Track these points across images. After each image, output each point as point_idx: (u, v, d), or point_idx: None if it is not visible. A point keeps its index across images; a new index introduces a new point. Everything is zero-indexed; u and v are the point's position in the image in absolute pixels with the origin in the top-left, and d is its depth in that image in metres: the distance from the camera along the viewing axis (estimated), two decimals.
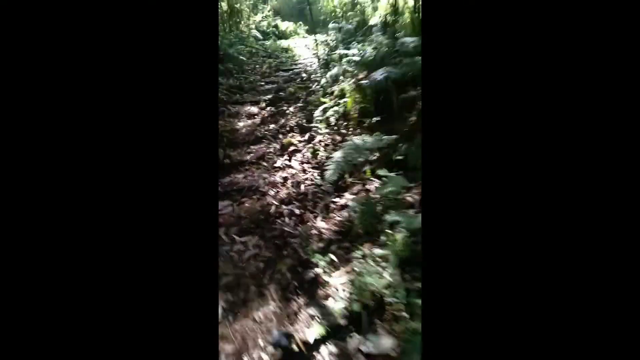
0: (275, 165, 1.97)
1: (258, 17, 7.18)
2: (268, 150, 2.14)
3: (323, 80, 2.78)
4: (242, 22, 6.86)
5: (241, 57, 4.27)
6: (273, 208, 1.56)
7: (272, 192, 1.71)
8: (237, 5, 6.24)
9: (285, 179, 1.82)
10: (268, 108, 2.92)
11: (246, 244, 1.37)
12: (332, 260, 1.17)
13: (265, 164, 2.01)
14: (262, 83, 3.75)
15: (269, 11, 7.52)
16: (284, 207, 1.56)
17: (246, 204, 1.64)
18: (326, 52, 3.87)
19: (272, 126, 2.50)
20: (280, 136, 2.34)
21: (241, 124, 2.63)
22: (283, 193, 1.68)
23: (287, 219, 1.47)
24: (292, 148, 2.10)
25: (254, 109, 2.98)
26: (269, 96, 3.16)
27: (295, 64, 4.51)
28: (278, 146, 2.17)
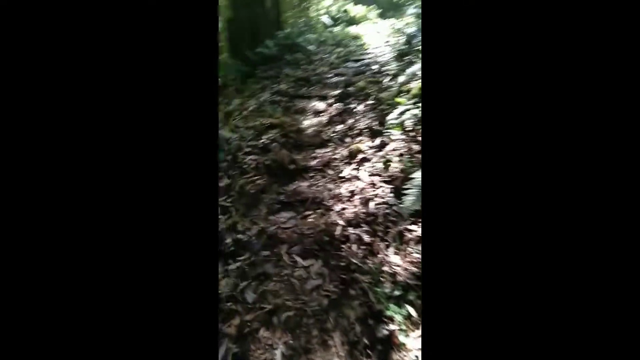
0: (342, 175, 1.81)
1: (328, 1, 6.93)
2: (334, 156, 1.98)
3: (401, 79, 2.50)
4: (312, 7, 6.69)
5: (310, 47, 4.13)
6: (339, 229, 1.41)
7: (337, 208, 1.56)
8: None
9: (352, 192, 1.65)
10: (335, 105, 2.74)
11: (309, 270, 1.25)
12: (409, 314, 0.98)
13: (330, 172, 1.86)
14: (330, 75, 3.57)
15: None
16: (350, 230, 1.40)
17: (309, 219, 1.52)
18: (402, 41, 3.51)
19: (339, 127, 2.33)
20: (348, 139, 2.16)
21: (307, 122, 2.51)
22: (350, 211, 1.51)
23: (354, 247, 1.31)
24: (360, 156, 1.91)
25: (321, 105, 2.83)
26: (337, 91, 2.97)
27: (366, 54, 4.22)
28: (345, 152, 2.00)
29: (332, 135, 2.23)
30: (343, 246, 1.33)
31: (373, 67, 3.54)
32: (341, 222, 1.45)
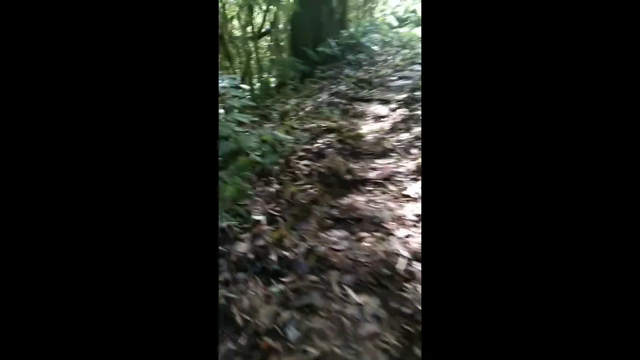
0: (406, 193, 1.56)
1: (395, 1, 6.60)
2: (397, 169, 1.73)
3: None
4: (377, 7, 6.44)
5: (373, 47, 3.89)
6: (402, 263, 1.17)
7: (400, 234, 1.32)
8: None
9: (419, 217, 1.39)
10: (399, 110, 2.48)
11: (363, 310, 1.03)
12: None
13: (392, 188, 1.61)
14: (394, 78, 3.30)
15: None
16: (416, 265, 1.15)
17: (366, 242, 1.30)
18: None
19: (403, 136, 2.07)
20: (414, 151, 1.89)
21: (366, 128, 2.29)
22: (416, 241, 1.26)
23: (420, 289, 1.06)
24: None
25: (383, 110, 2.59)
26: (402, 96, 2.70)
27: None
28: (411, 165, 1.74)
29: (395, 144, 1.98)
30: (407, 285, 1.08)
31: None
32: (405, 254, 1.21)
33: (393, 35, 4.81)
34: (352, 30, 4.16)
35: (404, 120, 2.29)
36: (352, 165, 1.80)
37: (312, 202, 1.53)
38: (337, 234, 1.37)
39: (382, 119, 2.44)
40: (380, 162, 1.84)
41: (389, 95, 2.85)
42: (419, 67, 3.58)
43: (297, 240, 1.34)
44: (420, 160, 1.75)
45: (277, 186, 1.66)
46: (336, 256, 1.25)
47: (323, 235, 1.36)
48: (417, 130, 2.12)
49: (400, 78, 3.28)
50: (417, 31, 5.17)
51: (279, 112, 2.57)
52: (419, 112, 2.36)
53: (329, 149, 1.95)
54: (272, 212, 1.48)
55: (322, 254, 1.26)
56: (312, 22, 3.83)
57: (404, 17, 5.95)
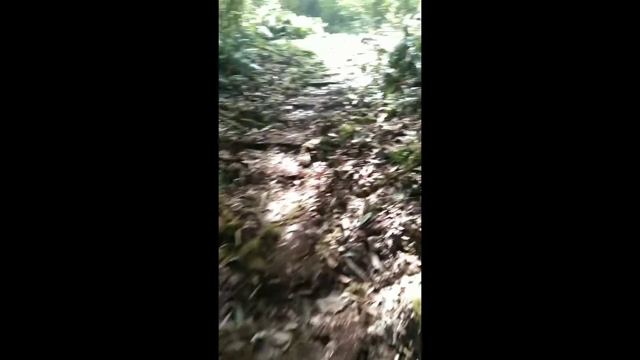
0: None
1: (263, 11, 5.85)
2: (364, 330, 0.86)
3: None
4: (243, 15, 5.55)
5: (252, 65, 2.96)
6: None
7: None
8: None
9: None
10: (317, 165, 1.65)
11: None
12: None
13: None
14: (289, 107, 2.47)
15: (276, 3, 6.19)
16: None
17: None
18: (385, 60, 2.59)
19: (344, 224, 1.23)
20: (376, 264, 1.07)
21: (274, 206, 1.35)
22: None
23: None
24: None
25: (289, 164, 1.70)
26: (314, 140, 1.87)
27: (328, 76, 3.23)
28: (390, 305, 0.89)
29: (337, 249, 1.11)
30: None
31: (349, 96, 2.55)
32: None
33: (271, 49, 3.99)
34: (219, 43, 3.13)
35: (329, 186, 1.46)
36: (268, 312, 0.82)
37: None
38: None
39: (293, 182, 1.55)
40: (328, 301, 0.93)
41: (292, 136, 1.99)
42: (315, 90, 2.87)
43: None
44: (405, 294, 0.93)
45: None
46: None
47: None
48: (357, 204, 1.32)
49: (297, 107, 2.47)
50: (298, 44, 4.52)
51: None
52: (346, 169, 1.58)
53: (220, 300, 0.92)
54: None
55: None
56: None
57: (278, 27, 5.24)
